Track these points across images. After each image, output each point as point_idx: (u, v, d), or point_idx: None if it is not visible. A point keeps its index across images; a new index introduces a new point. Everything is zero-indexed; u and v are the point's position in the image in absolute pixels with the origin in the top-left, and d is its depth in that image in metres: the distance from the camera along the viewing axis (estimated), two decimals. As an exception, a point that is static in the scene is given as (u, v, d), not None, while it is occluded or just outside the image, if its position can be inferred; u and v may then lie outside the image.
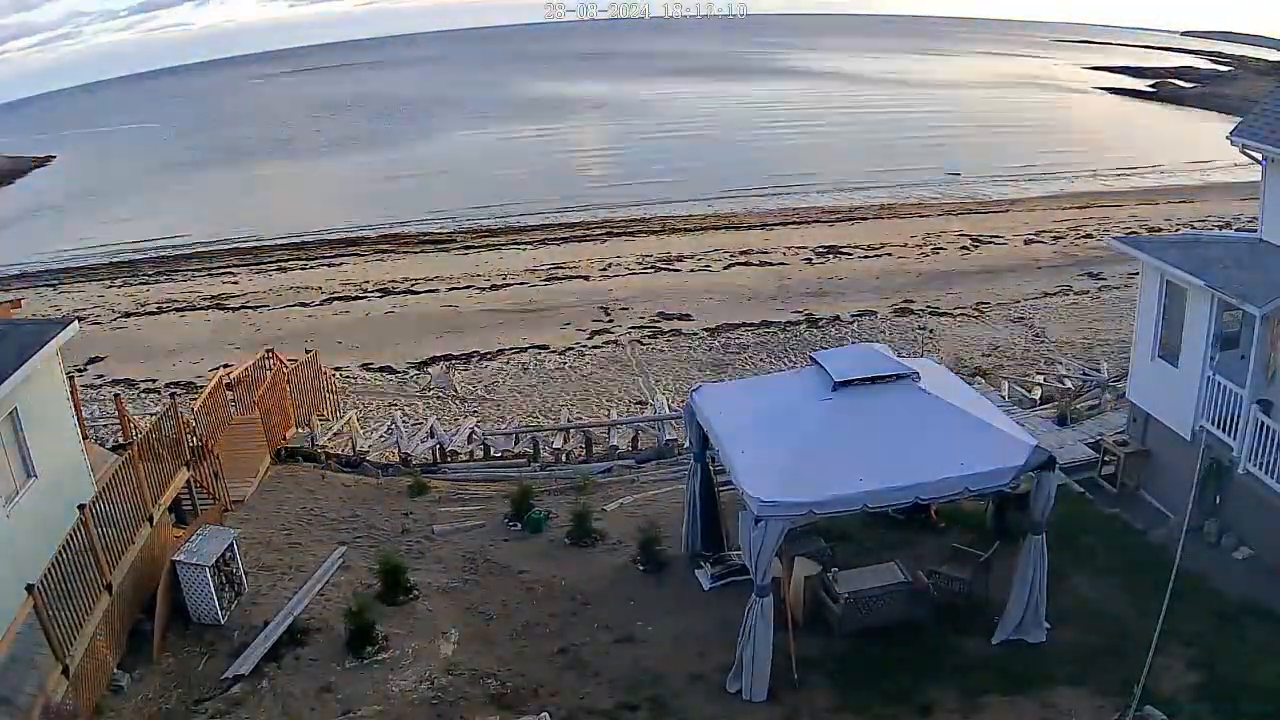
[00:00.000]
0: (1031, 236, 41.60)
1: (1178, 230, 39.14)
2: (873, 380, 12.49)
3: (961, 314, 31.61)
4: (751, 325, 31.06)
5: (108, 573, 12.42)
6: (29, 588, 10.60)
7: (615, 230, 46.71)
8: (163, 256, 46.43)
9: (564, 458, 21.10)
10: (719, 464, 13.76)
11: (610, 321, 32.23)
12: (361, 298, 36.52)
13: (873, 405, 12.25)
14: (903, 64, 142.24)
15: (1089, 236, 40.84)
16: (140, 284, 41.13)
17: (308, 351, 22.40)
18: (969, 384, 17.76)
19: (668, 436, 21.18)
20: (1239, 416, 13.89)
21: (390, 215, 51.91)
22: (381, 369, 28.53)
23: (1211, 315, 14.39)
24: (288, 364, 21.33)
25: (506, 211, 51.89)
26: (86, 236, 51.90)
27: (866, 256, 39.37)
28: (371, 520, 17.16)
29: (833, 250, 40.26)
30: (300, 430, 20.74)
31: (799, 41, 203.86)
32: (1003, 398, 22.05)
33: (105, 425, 22.37)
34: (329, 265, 42.46)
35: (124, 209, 59.73)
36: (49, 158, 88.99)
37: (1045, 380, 24.09)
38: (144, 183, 69.75)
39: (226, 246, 47.31)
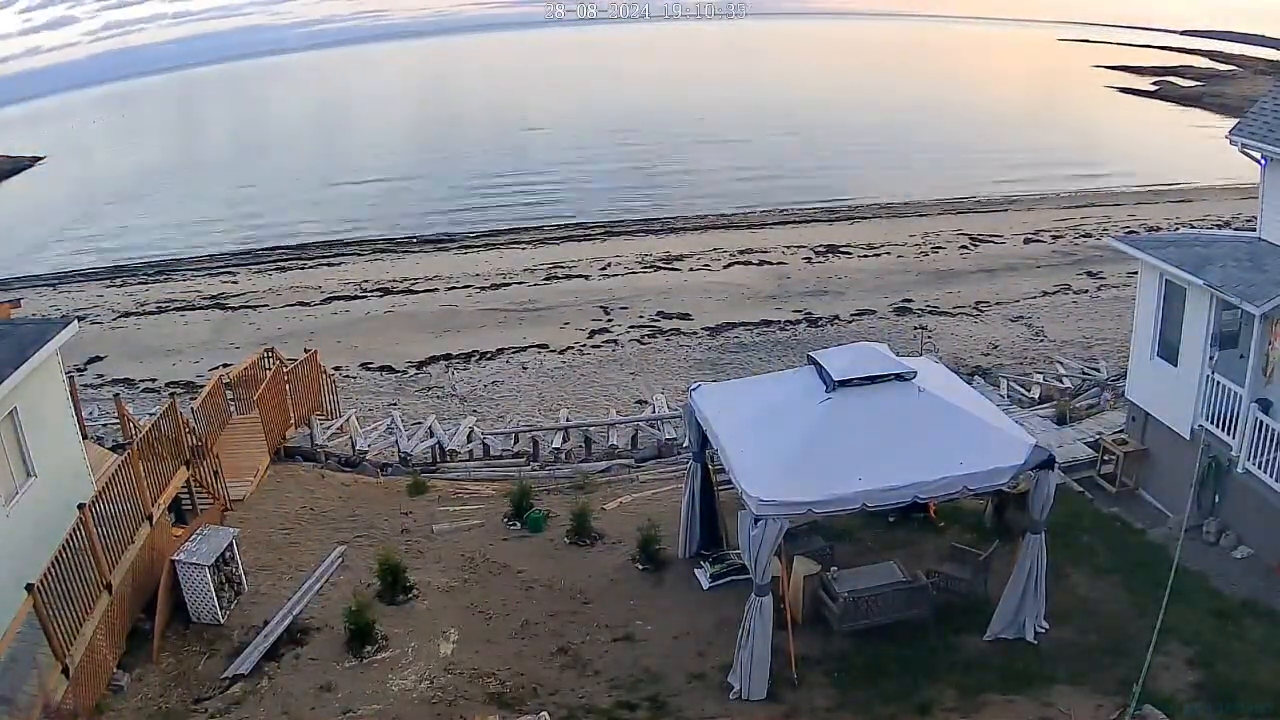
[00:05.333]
0: (1030, 236, 41.62)
1: (1176, 229, 39.15)
2: (872, 379, 12.48)
3: (960, 313, 31.62)
4: (751, 324, 31.07)
5: (107, 572, 12.43)
6: (29, 587, 10.60)
7: (614, 230, 46.72)
8: (161, 258, 46.43)
9: (563, 457, 21.11)
10: (718, 463, 13.76)
11: (610, 321, 32.23)
12: (361, 297, 36.52)
13: (872, 404, 12.25)
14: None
15: (1088, 236, 40.88)
16: (140, 284, 41.15)
17: (307, 351, 22.39)
18: (968, 383, 17.80)
19: (667, 436, 21.19)
20: (1238, 415, 13.93)
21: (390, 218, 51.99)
22: (381, 368, 28.54)
23: (1210, 314, 14.41)
24: (287, 363, 21.31)
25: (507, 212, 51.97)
26: (83, 236, 51.99)
27: (866, 256, 39.39)
28: (371, 520, 17.17)
29: (832, 249, 40.27)
30: (300, 429, 20.74)
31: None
32: (1002, 397, 22.08)
33: (105, 425, 22.38)
34: (329, 265, 42.47)
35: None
36: (38, 158, 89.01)
37: (1044, 379, 24.09)
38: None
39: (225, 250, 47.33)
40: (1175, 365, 15.49)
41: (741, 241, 42.42)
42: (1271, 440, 13.27)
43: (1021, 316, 30.99)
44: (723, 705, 11.59)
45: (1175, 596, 11.49)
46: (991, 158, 62.48)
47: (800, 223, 46.65)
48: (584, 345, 30.02)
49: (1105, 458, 17.13)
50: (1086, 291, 33.32)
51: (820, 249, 40.35)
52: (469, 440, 22.08)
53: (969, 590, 12.97)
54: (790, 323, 31.17)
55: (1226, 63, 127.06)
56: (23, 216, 60.92)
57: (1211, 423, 14.55)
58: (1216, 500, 14.55)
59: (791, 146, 70.15)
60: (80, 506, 12.05)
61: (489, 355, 29.31)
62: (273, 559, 15.28)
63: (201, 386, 22.81)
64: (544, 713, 11.31)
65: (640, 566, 14.82)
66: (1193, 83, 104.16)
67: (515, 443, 22.06)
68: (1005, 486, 12.24)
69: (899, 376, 12.57)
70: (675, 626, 13.25)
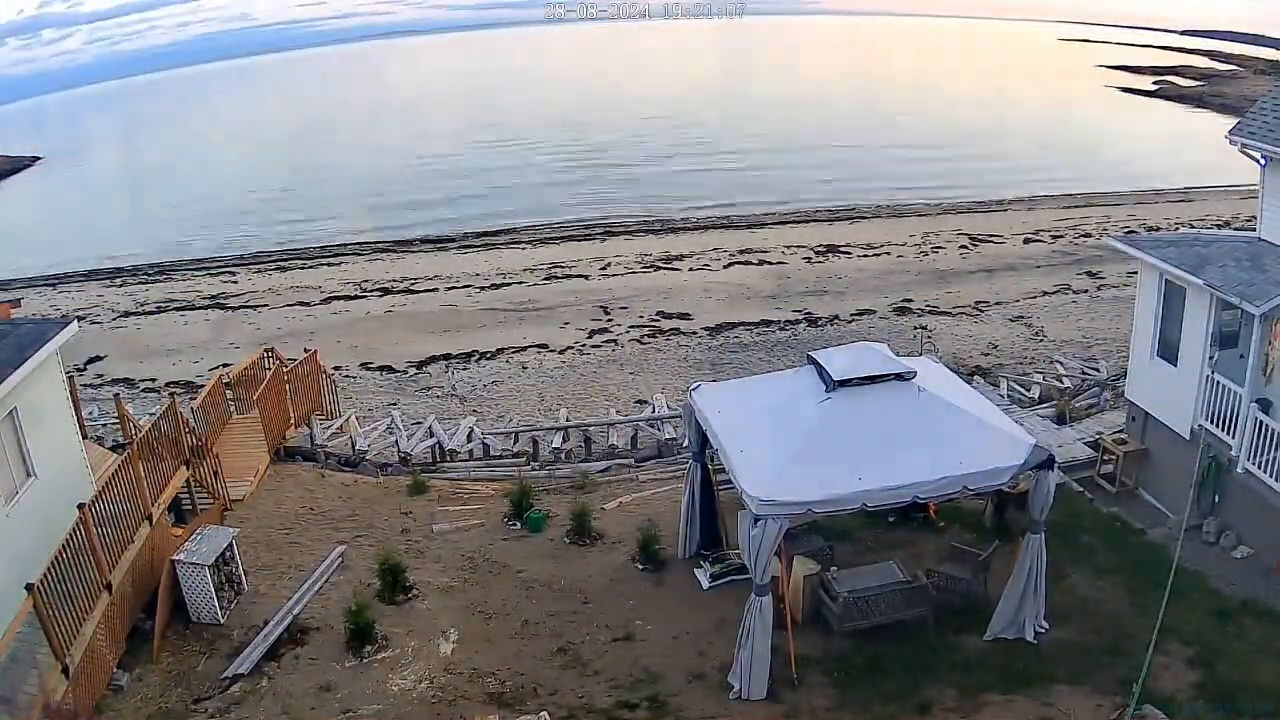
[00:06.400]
0: (1030, 236, 41.61)
1: (1176, 229, 39.16)
2: (871, 379, 12.48)
3: (960, 313, 31.62)
4: (750, 324, 31.07)
5: (107, 572, 12.44)
6: (29, 587, 10.61)
7: (614, 230, 46.72)
8: (161, 258, 46.40)
9: (563, 457, 21.11)
10: (718, 463, 13.76)
11: (609, 320, 32.23)
12: (361, 297, 36.53)
13: (871, 404, 12.25)
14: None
15: (1088, 236, 40.88)
16: (140, 284, 41.17)
17: (307, 351, 22.38)
18: (968, 383, 17.80)
19: (667, 436, 21.19)
20: (1238, 415, 13.93)
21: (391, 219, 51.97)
22: (381, 368, 28.54)
23: (1210, 314, 14.42)
24: (287, 363, 21.31)
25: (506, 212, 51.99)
26: (83, 236, 51.99)
27: (865, 255, 39.38)
28: (371, 519, 17.18)
29: (832, 249, 40.27)
30: (300, 429, 20.73)
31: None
32: (1002, 397, 22.08)
33: (105, 425, 22.38)
34: (329, 265, 42.48)
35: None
36: (36, 158, 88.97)
37: (1044, 379, 24.10)
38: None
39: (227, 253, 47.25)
40: (1175, 365, 15.50)
41: (741, 241, 42.40)
42: (1271, 440, 13.28)
43: (1021, 316, 30.98)
44: (723, 705, 11.59)
45: (1175, 596, 11.49)
46: (993, 157, 62.44)
47: (800, 223, 46.62)
48: (584, 345, 30.02)
49: (1105, 458, 17.14)
50: (1086, 291, 33.32)
51: (820, 249, 40.34)
52: (469, 440, 22.08)
53: (969, 590, 12.97)
54: (790, 323, 31.17)
55: (1226, 63, 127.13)
56: (22, 216, 60.90)
57: (1211, 422, 14.56)
58: (1216, 500, 14.56)
59: (791, 146, 70.12)
60: (80, 506, 12.05)
61: (489, 355, 29.31)
62: (273, 559, 15.29)
63: (201, 386, 22.81)
64: (544, 713, 11.31)
65: (640, 566, 14.83)
66: (1193, 83, 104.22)
67: (515, 443, 22.06)
68: (1005, 486, 12.24)
69: (899, 376, 12.56)
70: (675, 626, 13.25)
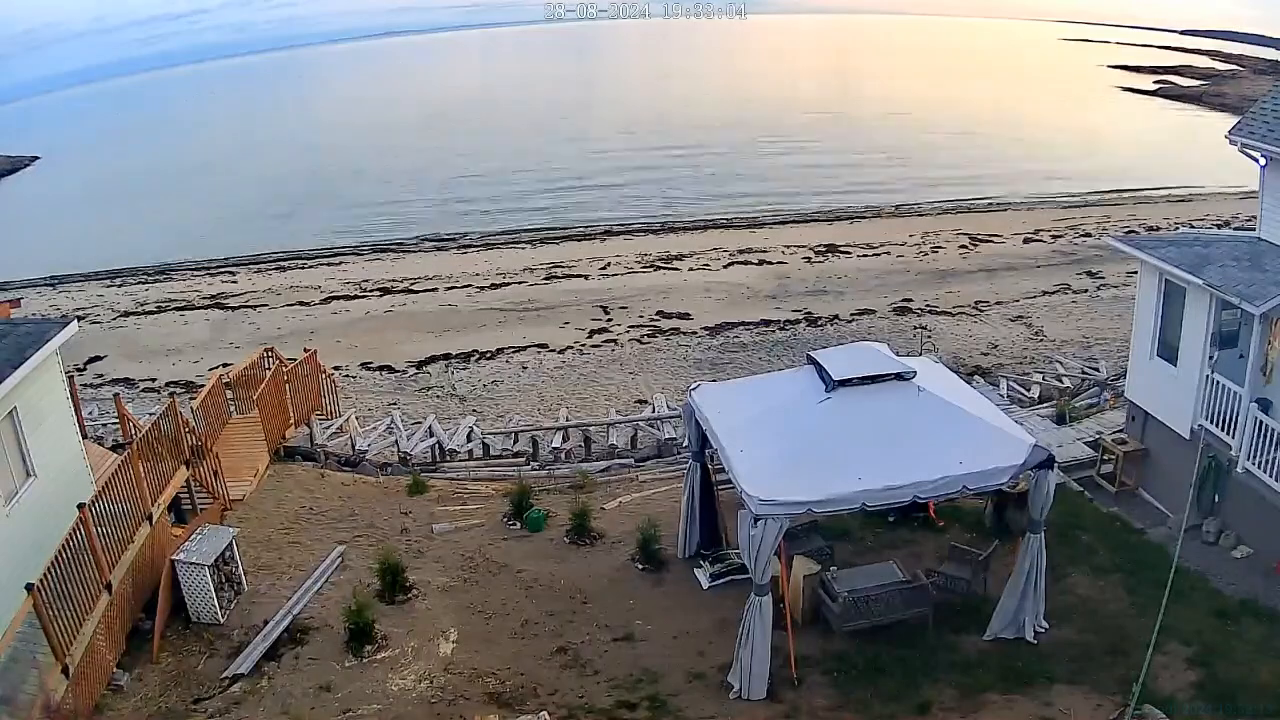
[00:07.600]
0: (1030, 235, 41.61)
1: (1176, 229, 39.14)
2: (871, 379, 12.50)
3: (960, 313, 31.62)
4: (750, 324, 31.07)
5: (107, 572, 12.43)
6: (29, 587, 10.61)
7: (614, 230, 46.71)
8: (161, 258, 46.34)
9: (563, 456, 21.12)
10: (718, 463, 13.76)
11: (609, 320, 32.23)
12: (361, 297, 36.52)
13: (871, 404, 12.26)
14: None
15: (1088, 235, 40.88)
16: (140, 284, 41.16)
17: (307, 350, 22.38)
18: (968, 383, 17.80)
19: (667, 435, 21.20)
20: (1238, 415, 13.93)
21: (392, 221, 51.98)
22: (381, 368, 28.54)
23: (1210, 314, 14.42)
24: (287, 363, 21.30)
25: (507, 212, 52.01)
26: (83, 236, 51.97)
27: (865, 255, 39.39)
28: (371, 519, 17.18)
29: (832, 249, 40.26)
30: (299, 429, 20.72)
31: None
32: (1002, 397, 22.08)
33: (105, 425, 22.38)
34: (328, 265, 42.48)
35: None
36: (34, 157, 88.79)
37: (1044, 379, 24.10)
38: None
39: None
40: (1175, 365, 15.50)
41: (741, 241, 42.41)
42: (1271, 440, 13.28)
43: (1021, 316, 30.98)
44: (722, 705, 11.60)
45: (1175, 596, 11.48)
46: (993, 157, 62.46)
47: (800, 223, 46.62)
48: (584, 345, 30.02)
49: (1105, 457, 17.15)
50: (1086, 291, 33.32)
51: (820, 249, 40.33)
52: (469, 440, 22.08)
53: (969, 590, 12.98)
54: (790, 322, 31.16)
55: (1226, 63, 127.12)
56: (21, 216, 60.84)
57: (1211, 422, 14.56)
58: (1216, 500, 14.57)
59: (791, 146, 70.12)
60: (80, 506, 12.04)
61: (489, 355, 29.31)
62: (273, 559, 15.29)
63: (201, 386, 22.80)
64: (544, 713, 11.31)
65: (640, 566, 14.83)
66: (1194, 82, 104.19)
67: (515, 442, 22.07)
68: (1005, 486, 12.25)
69: (899, 376, 12.58)
70: (675, 626, 13.25)
